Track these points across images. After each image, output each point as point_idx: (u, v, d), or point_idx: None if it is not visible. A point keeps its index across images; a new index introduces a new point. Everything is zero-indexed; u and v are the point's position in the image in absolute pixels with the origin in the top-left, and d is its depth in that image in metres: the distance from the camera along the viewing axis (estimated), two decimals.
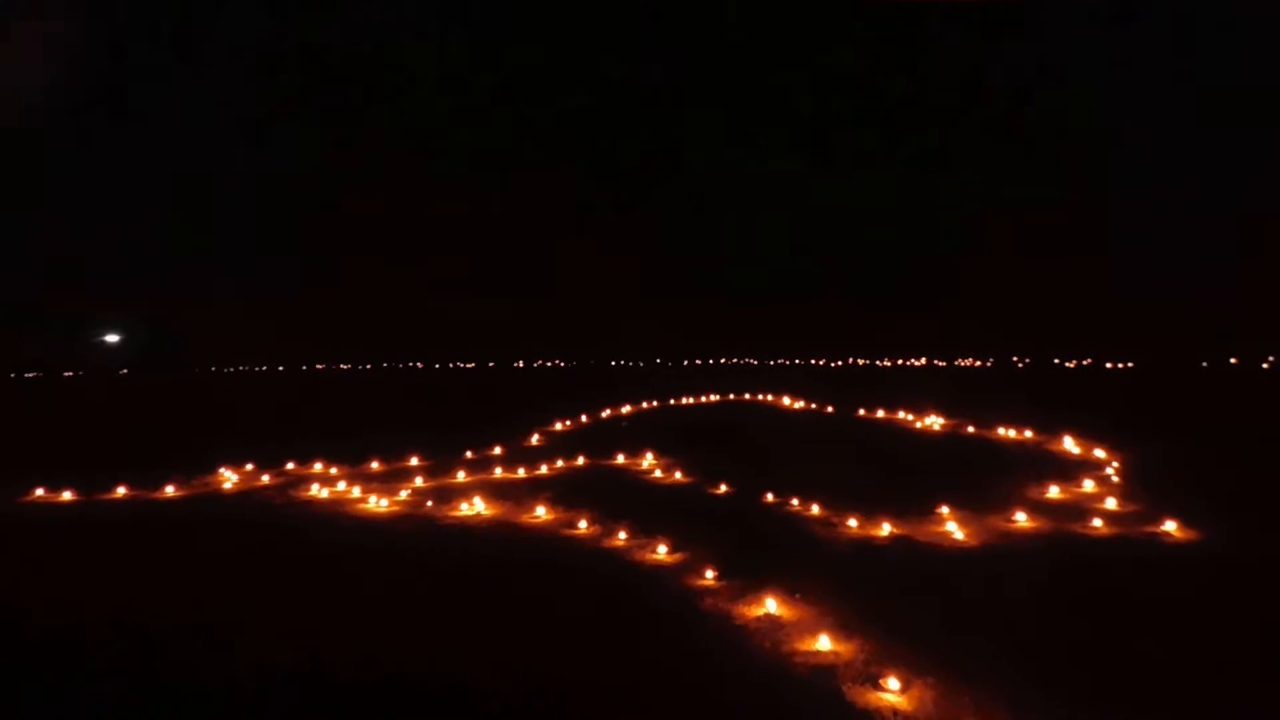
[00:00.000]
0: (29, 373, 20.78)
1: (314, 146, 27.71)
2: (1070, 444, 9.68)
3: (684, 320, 26.72)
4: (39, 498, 8.09)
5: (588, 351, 25.05)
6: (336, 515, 7.36)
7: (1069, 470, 8.39)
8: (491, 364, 24.18)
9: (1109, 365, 19.21)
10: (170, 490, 8.30)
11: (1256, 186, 24.34)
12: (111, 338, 26.17)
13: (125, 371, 22.20)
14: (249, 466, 9.27)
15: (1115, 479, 8.01)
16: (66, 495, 8.12)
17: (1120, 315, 23.08)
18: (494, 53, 27.93)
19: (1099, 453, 9.17)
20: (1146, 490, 7.46)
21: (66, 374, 21.14)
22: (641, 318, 26.47)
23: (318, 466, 9.30)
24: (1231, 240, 23.51)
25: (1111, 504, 7.05)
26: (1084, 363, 20.11)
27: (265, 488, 8.49)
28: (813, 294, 26.94)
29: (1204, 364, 18.09)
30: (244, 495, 8.22)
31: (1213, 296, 22.25)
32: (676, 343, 25.22)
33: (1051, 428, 10.36)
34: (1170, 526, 6.29)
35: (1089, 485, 7.71)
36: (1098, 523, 6.51)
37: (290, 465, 9.36)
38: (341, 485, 8.35)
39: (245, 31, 25.70)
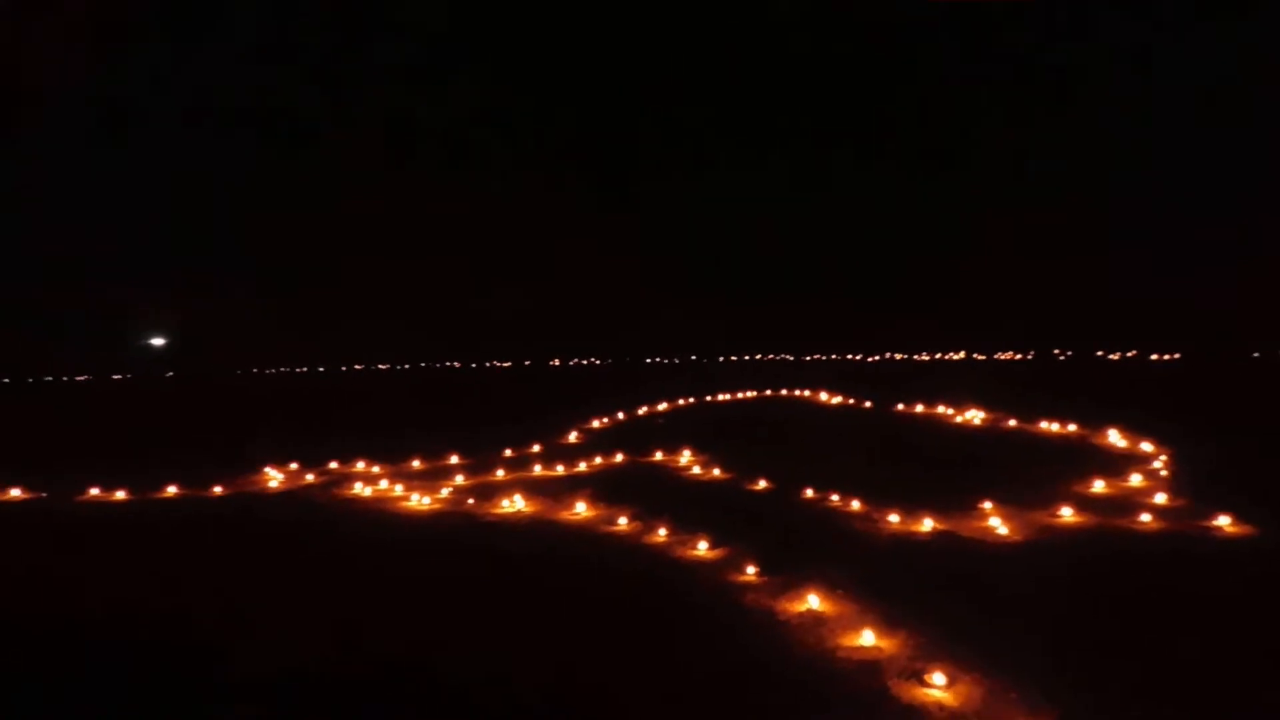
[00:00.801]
0: (80, 376, 21.36)
1: (331, 151, 28.11)
2: (1116, 438, 9.51)
3: (715, 317, 26.68)
4: (94, 496, 8.32)
5: (623, 349, 25.12)
6: (379, 513, 7.48)
7: (1115, 464, 8.24)
8: (527, 362, 24.34)
9: (1154, 358, 18.82)
10: (218, 489, 8.49)
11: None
12: (156, 341, 26.80)
13: (170, 374, 22.71)
14: (293, 466, 9.43)
15: (1164, 473, 7.86)
16: (120, 494, 8.34)
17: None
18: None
19: (1146, 446, 8.99)
20: (1197, 485, 7.30)
21: (115, 377, 21.69)
22: (672, 315, 26.47)
23: (360, 465, 9.44)
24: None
25: (1161, 499, 6.92)
26: (1128, 355, 19.73)
27: (309, 486, 8.65)
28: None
29: (1255, 354, 17.64)
30: (289, 494, 8.38)
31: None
32: (711, 339, 25.20)
33: (1096, 421, 10.17)
34: (1223, 522, 6.16)
35: (1136, 480, 7.58)
36: (1146, 518, 6.39)
37: (333, 464, 9.51)
38: (384, 484, 8.47)
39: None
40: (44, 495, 8.39)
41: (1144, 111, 25.65)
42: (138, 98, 26.35)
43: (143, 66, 25.89)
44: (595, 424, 12.26)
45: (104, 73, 24.01)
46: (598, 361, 24.56)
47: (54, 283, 24.47)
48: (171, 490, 8.43)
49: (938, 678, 3.89)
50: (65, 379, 20.85)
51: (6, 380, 20.25)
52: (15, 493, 8.43)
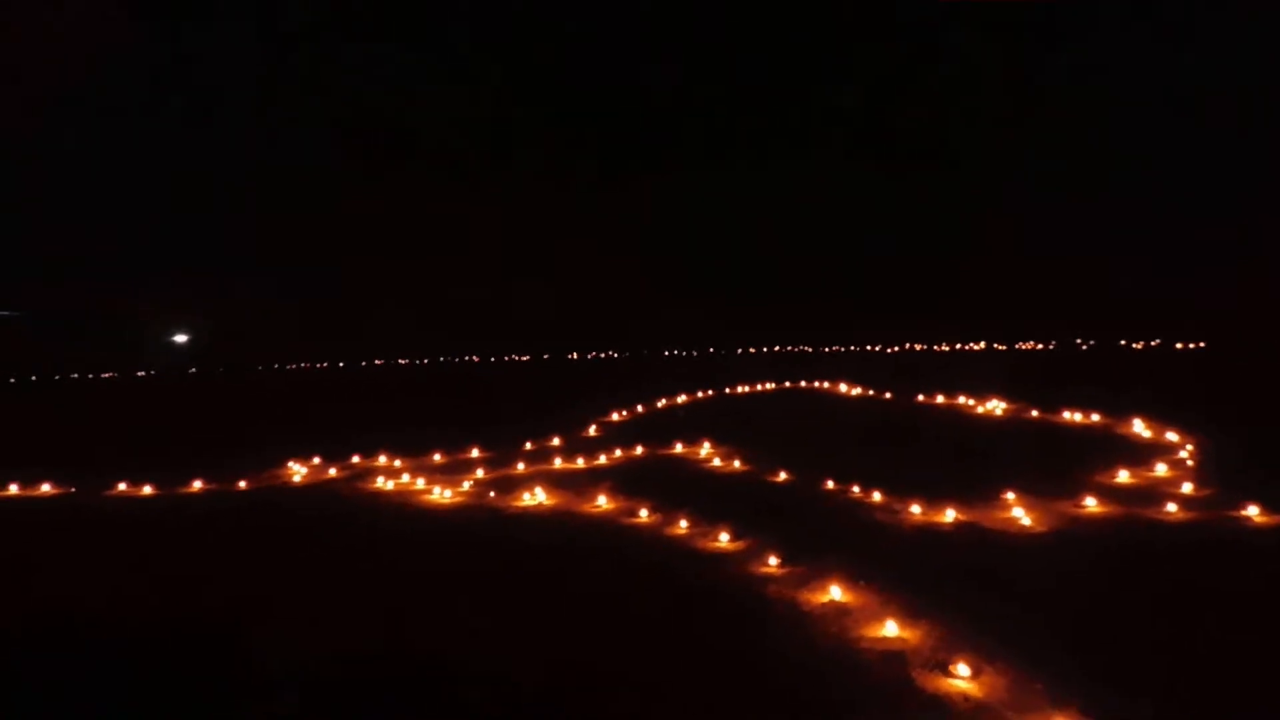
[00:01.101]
0: (105, 373, 21.64)
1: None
2: (1140, 427, 9.41)
3: (730, 311, 26.69)
4: (122, 492, 8.44)
5: (640, 343, 25.14)
6: (402, 506, 7.55)
7: (1140, 454, 8.16)
8: (545, 356, 24.41)
9: (1179, 346, 18.61)
10: (243, 484, 8.58)
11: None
12: (179, 338, 27.11)
13: (193, 370, 22.96)
14: (316, 460, 9.52)
15: (1190, 463, 7.78)
16: (147, 489, 8.46)
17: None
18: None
19: (1171, 436, 8.90)
20: (1224, 474, 7.22)
21: (139, 374, 21.96)
22: (681, 312, 26.49)
23: (382, 459, 9.51)
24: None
25: (1187, 488, 6.85)
26: (1152, 343, 19.53)
27: (333, 480, 8.73)
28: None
29: None
30: (312, 488, 8.47)
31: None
32: (727, 332, 25.18)
33: (1119, 410, 10.08)
34: (1251, 512, 6.09)
35: (1162, 469, 7.50)
36: (1172, 508, 6.33)
37: (356, 458, 9.59)
38: (406, 477, 8.54)
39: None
40: (73, 490, 8.52)
41: (1144, 112, 25.48)
42: (141, 97, 26.67)
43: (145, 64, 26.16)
44: (614, 417, 12.29)
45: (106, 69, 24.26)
46: (615, 355, 24.58)
47: (73, 282, 24.83)
48: (197, 485, 8.54)
49: (962, 669, 3.88)
50: (90, 376, 21.13)
51: (33, 378, 20.55)
52: (45, 488, 8.58)
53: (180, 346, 26.77)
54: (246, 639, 4.63)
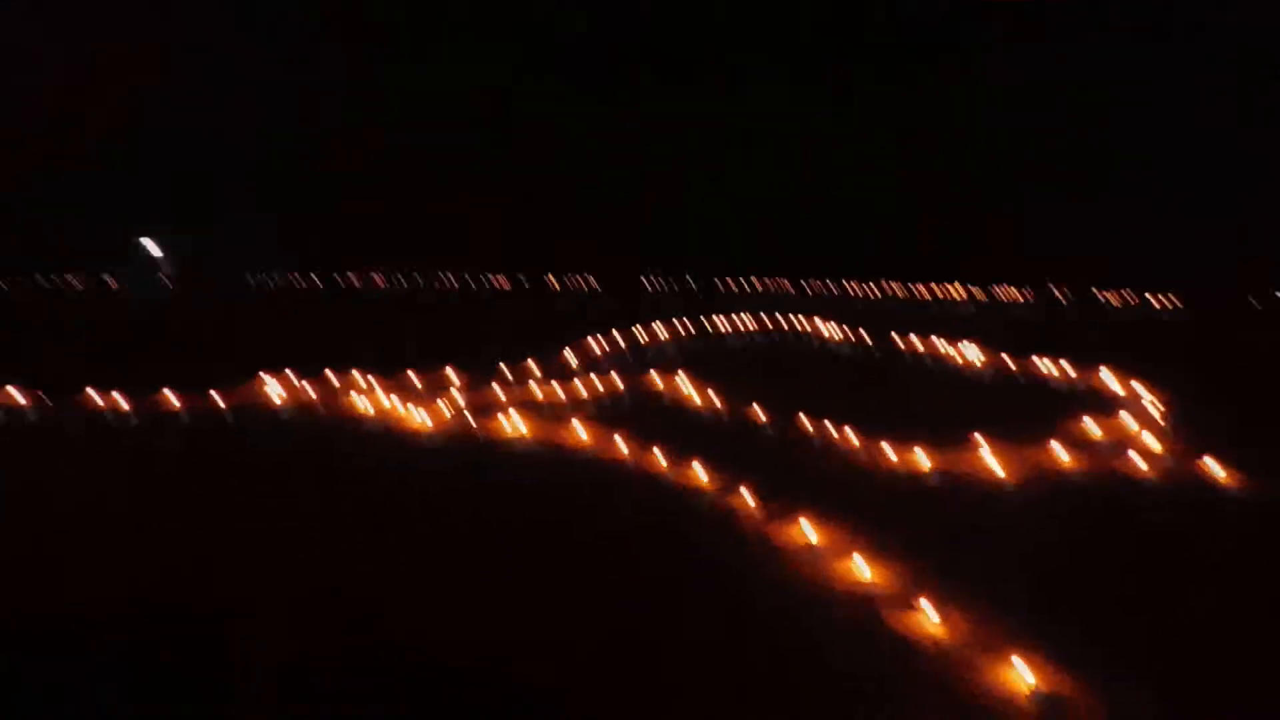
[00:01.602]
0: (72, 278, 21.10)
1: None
2: (1110, 379, 9.56)
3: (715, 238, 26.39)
4: (93, 402, 8.29)
5: (619, 266, 24.78)
6: (383, 434, 7.51)
7: (1108, 405, 8.31)
8: (522, 278, 24.08)
9: (1154, 304, 18.84)
10: (219, 400, 8.42)
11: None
12: (153, 249, 26.31)
13: (168, 285, 22.44)
14: (290, 376, 9.29)
15: (1156, 415, 7.93)
16: (119, 399, 8.31)
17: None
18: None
19: (1139, 388, 9.05)
20: (1188, 427, 7.39)
21: (107, 279, 21.45)
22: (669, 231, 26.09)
23: (357, 376, 9.30)
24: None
25: (1151, 440, 7.00)
26: (1130, 301, 19.76)
27: (310, 403, 8.57)
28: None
29: (1252, 301, 17.67)
30: (290, 410, 8.35)
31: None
32: (708, 261, 24.92)
33: (1092, 363, 10.21)
34: (1212, 464, 6.25)
35: (1129, 421, 7.65)
36: (1137, 459, 6.48)
37: (330, 376, 9.36)
38: (384, 399, 8.42)
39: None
40: (43, 397, 8.35)
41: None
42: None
43: None
44: (593, 345, 12.19)
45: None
46: (594, 281, 24.30)
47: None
48: (173, 400, 8.37)
49: (929, 610, 3.99)
50: (54, 279, 20.65)
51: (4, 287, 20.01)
52: (12, 392, 8.38)
53: (153, 261, 26.02)
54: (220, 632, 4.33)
